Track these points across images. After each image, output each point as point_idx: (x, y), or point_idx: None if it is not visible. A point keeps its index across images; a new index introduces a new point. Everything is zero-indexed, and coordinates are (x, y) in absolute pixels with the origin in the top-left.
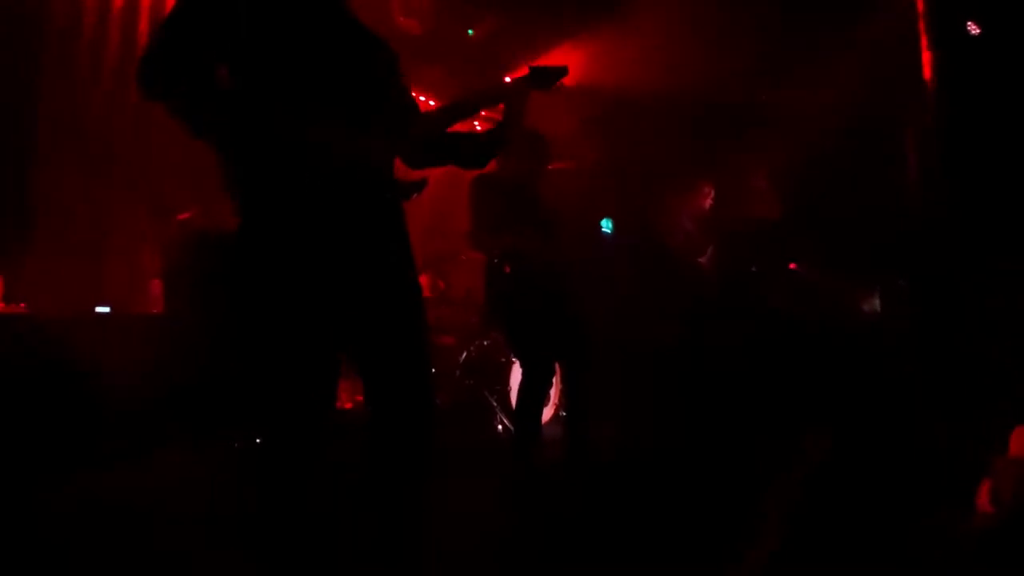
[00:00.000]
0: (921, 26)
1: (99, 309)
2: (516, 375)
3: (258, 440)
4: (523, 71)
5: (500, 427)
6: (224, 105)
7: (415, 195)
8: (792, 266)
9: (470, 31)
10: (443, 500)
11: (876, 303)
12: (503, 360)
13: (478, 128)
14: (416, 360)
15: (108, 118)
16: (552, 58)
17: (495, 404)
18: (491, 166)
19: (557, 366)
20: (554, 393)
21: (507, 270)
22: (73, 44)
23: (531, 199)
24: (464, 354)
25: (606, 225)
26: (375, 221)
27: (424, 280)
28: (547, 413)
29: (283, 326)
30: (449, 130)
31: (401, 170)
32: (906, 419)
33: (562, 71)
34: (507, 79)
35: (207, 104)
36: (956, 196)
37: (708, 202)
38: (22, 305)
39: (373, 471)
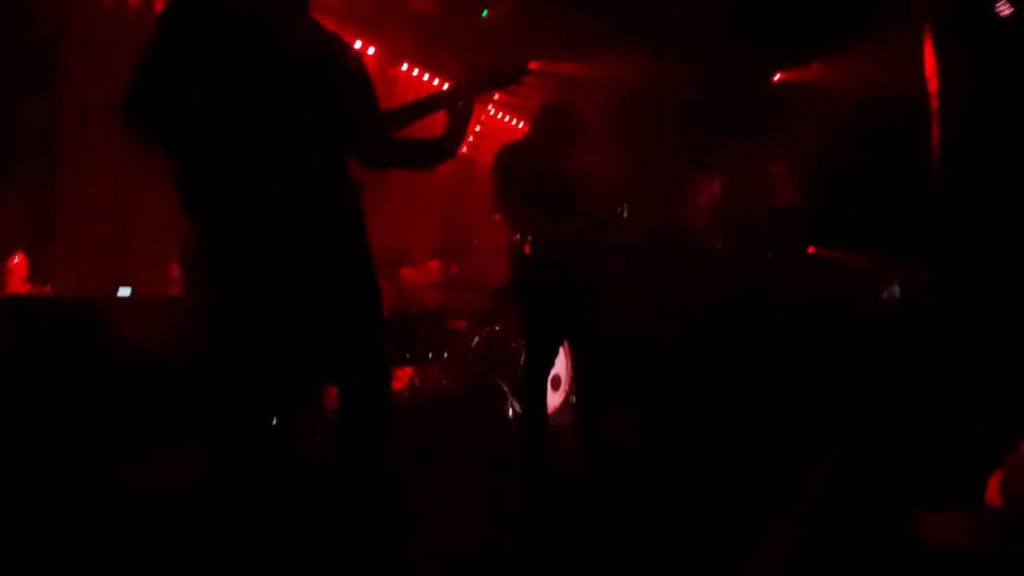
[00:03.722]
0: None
1: (121, 292)
2: None
3: (226, 431)
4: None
5: (510, 411)
6: (199, 139)
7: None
8: (811, 250)
9: (484, 12)
10: (451, 484)
11: (896, 291)
12: (514, 345)
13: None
14: (369, 350)
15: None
16: (569, 48)
17: (506, 389)
18: (522, 135)
19: (565, 351)
20: (565, 380)
21: (527, 250)
22: (94, 31)
23: (557, 177)
24: (476, 339)
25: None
26: (330, 227)
27: (435, 266)
28: (558, 399)
29: (244, 321)
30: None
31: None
32: (919, 410)
33: (520, 71)
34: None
35: (186, 139)
36: (980, 183)
37: (719, 189)
38: (47, 287)
39: (338, 458)
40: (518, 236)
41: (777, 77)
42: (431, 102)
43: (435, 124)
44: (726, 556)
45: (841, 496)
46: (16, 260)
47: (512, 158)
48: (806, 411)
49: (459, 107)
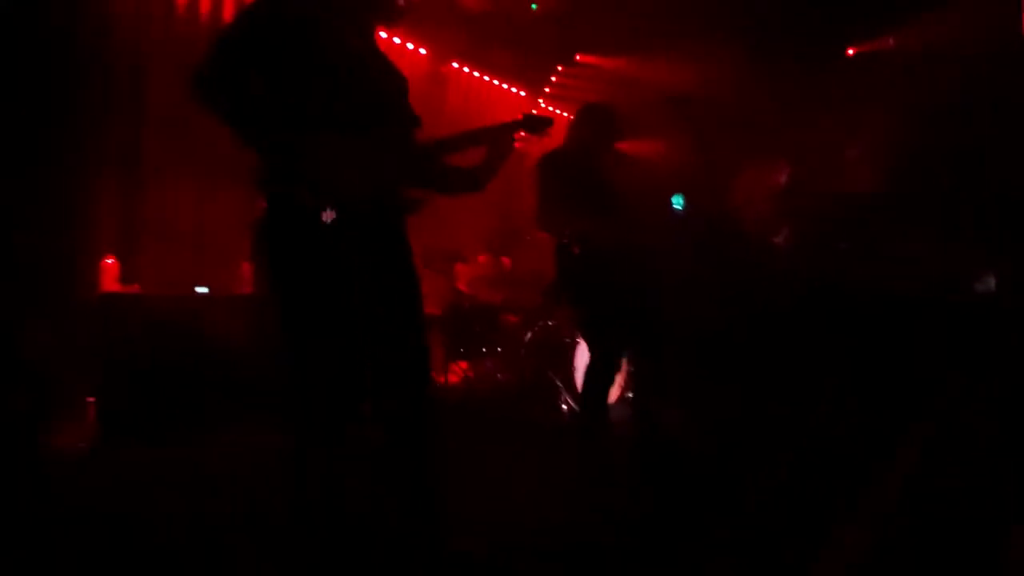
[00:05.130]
0: None
1: (199, 289)
2: (581, 355)
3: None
4: (516, 116)
5: (564, 407)
6: (270, 123)
7: (413, 212)
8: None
9: (533, 6)
10: (506, 478)
11: (991, 283)
12: (568, 340)
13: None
14: (413, 348)
15: (210, 115)
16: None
17: (559, 384)
18: (559, 142)
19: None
20: (620, 375)
21: (576, 251)
22: (174, 44)
23: (599, 179)
24: (529, 334)
25: (677, 202)
26: (380, 229)
27: (483, 260)
28: (613, 394)
29: (300, 315)
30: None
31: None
32: (999, 412)
33: (549, 121)
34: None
35: (259, 121)
36: None
37: (783, 179)
38: (136, 286)
39: (386, 455)
40: (566, 241)
41: (850, 51)
42: (473, 136)
43: None
44: (789, 554)
45: (921, 504)
46: (108, 261)
47: (551, 168)
48: (880, 409)
49: (498, 145)
